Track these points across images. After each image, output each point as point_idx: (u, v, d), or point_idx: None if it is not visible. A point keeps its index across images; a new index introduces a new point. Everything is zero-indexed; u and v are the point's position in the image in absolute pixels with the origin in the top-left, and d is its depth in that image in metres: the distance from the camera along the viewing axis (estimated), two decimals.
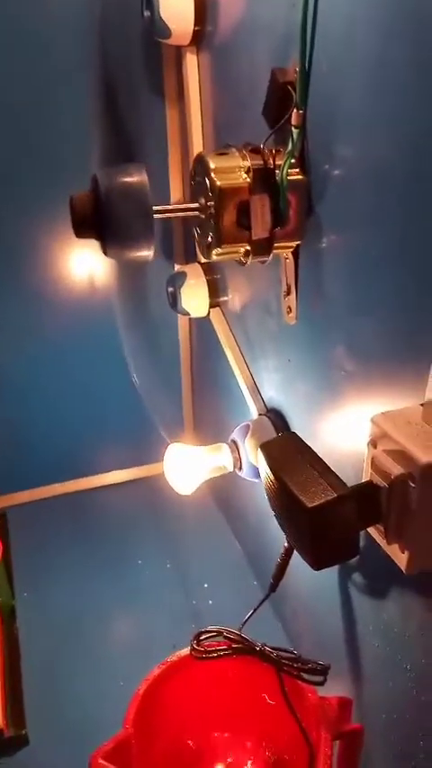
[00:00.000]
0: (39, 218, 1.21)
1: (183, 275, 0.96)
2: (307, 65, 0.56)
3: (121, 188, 0.56)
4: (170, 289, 0.98)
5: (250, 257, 0.62)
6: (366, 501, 0.50)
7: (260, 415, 0.86)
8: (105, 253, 0.59)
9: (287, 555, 0.74)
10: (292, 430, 0.79)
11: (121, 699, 0.69)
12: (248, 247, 0.61)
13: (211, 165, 0.59)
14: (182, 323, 1.16)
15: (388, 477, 0.49)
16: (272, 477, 0.53)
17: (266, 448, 0.54)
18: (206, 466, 0.84)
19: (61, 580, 1.12)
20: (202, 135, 0.84)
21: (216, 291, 0.97)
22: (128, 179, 0.56)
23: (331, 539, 0.50)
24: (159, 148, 0.96)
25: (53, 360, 1.37)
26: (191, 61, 0.82)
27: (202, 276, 0.95)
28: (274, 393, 0.83)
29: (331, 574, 0.75)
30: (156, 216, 0.59)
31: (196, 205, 0.61)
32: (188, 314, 0.99)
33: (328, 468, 0.52)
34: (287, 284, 0.71)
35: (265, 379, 0.86)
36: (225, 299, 0.96)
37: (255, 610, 0.73)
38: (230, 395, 0.98)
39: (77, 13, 1.05)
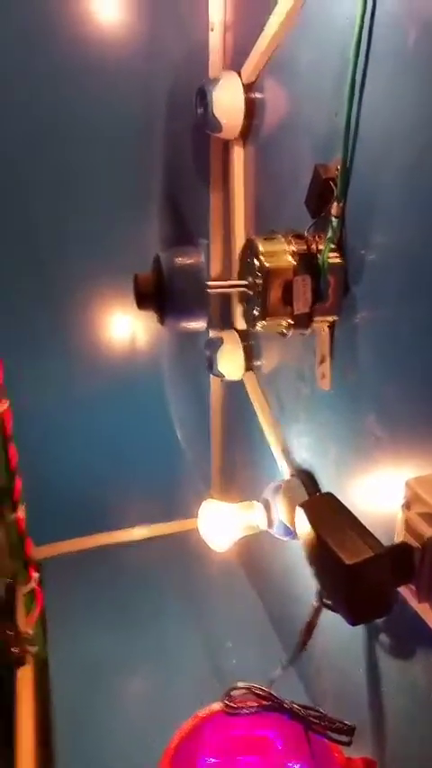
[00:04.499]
0: (96, 281, 1.31)
1: (219, 340, 1.03)
2: (348, 164, 0.64)
3: (181, 268, 0.63)
4: (207, 353, 1.05)
5: (291, 330, 0.68)
6: (400, 560, 0.54)
7: (291, 475, 0.90)
8: (162, 323, 0.66)
9: (316, 614, 0.76)
10: (321, 490, 0.83)
11: (147, 752, 0.71)
12: (290, 321, 0.68)
13: (260, 249, 0.66)
14: (215, 384, 1.22)
15: (421, 538, 0.53)
16: (312, 534, 0.57)
17: (307, 506, 0.58)
18: (240, 523, 0.88)
19: (89, 634, 1.14)
20: (245, 218, 0.93)
21: (250, 356, 1.03)
22: (187, 260, 0.63)
23: (368, 595, 0.54)
24: (203, 229, 1.05)
25: (87, 413, 1.43)
26: (237, 153, 0.91)
27: (239, 342, 1.02)
28: (305, 454, 0.88)
29: (358, 632, 0.77)
30: (210, 291, 0.66)
31: (245, 282, 0.68)
32: (223, 376, 1.05)
33: (365, 528, 0.56)
34: (322, 354, 0.76)
35: (296, 441, 0.90)
36: (258, 363, 1.02)
37: (284, 668, 0.75)
38: (260, 455, 1.03)
39: (141, 110, 1.19)
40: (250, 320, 0.70)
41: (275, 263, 0.65)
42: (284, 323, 0.68)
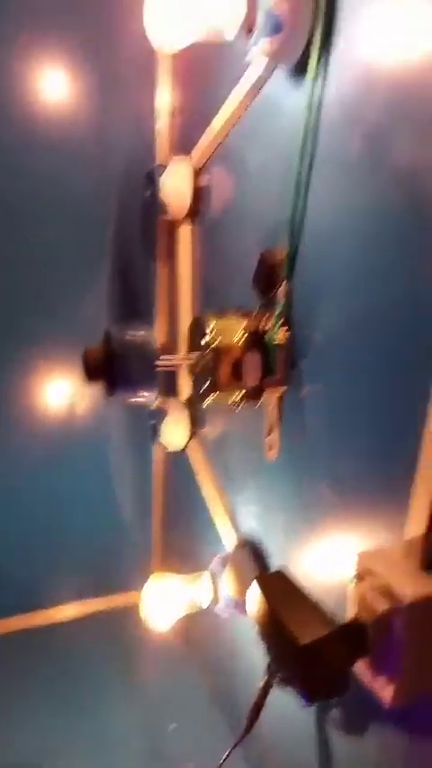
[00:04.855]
0: (43, 351, 1.30)
1: (164, 410, 1.04)
2: (293, 252, 0.69)
3: (131, 343, 0.64)
4: (151, 421, 1.05)
5: (241, 403, 0.70)
6: (354, 636, 0.54)
7: (237, 546, 0.89)
8: (111, 396, 0.66)
9: (264, 693, 0.74)
10: (270, 561, 0.83)
11: None
12: (240, 395, 0.70)
13: (211, 326, 0.68)
14: (158, 452, 1.21)
15: (374, 613, 0.54)
16: (265, 612, 0.57)
17: (260, 582, 0.58)
18: (186, 599, 0.86)
19: (19, 722, 1.05)
20: (191, 295, 0.96)
21: (195, 425, 1.04)
22: (138, 335, 0.65)
23: (324, 674, 0.54)
24: (151, 304, 1.07)
25: (22, 480, 1.37)
26: (184, 233, 0.95)
27: (184, 411, 1.03)
28: (252, 524, 0.88)
29: (308, 710, 0.76)
30: (159, 367, 0.67)
31: (195, 357, 0.70)
32: (167, 447, 1.05)
33: (318, 605, 0.56)
34: (270, 424, 0.78)
35: (243, 510, 0.91)
36: (204, 432, 1.03)
37: (230, 752, 0.72)
38: (205, 525, 1.02)
39: (92, 189, 1.23)
40: (200, 394, 0.71)
41: (225, 339, 0.68)
42: (234, 397, 0.70)
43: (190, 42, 0.60)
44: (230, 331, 0.68)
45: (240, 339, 0.68)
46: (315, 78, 0.60)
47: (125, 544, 1.44)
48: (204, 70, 0.89)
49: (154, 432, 1.05)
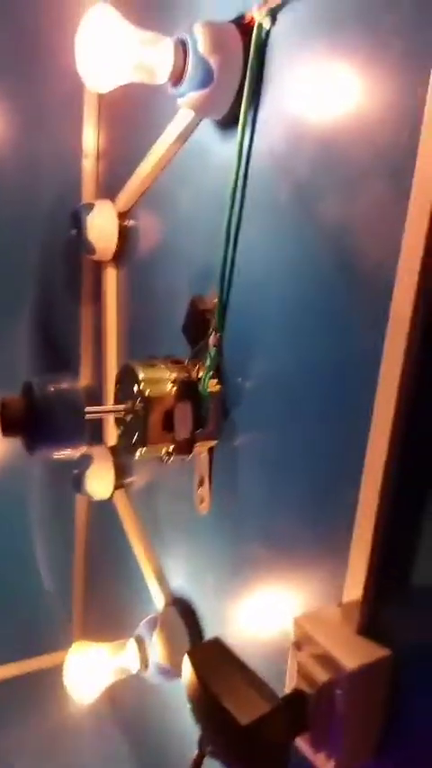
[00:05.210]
0: None
1: (89, 458, 0.98)
2: (224, 298, 0.67)
3: (56, 395, 0.59)
4: (74, 470, 0.98)
5: (172, 456, 0.67)
6: (295, 709, 0.51)
7: (166, 606, 0.84)
8: (31, 452, 0.61)
9: (197, 766, 0.69)
10: (202, 622, 0.79)
11: None
12: (171, 447, 0.66)
13: (140, 376, 0.65)
14: (80, 503, 1.14)
15: (315, 683, 0.51)
16: (199, 689, 0.52)
17: (193, 657, 0.54)
18: (111, 668, 0.79)
19: None
20: (117, 340, 0.92)
21: (121, 474, 0.99)
22: (63, 386, 0.60)
23: (265, 753, 0.50)
24: (74, 348, 1.02)
25: None
26: (110, 274, 0.92)
27: (110, 459, 0.98)
28: (182, 582, 0.83)
29: None
30: (88, 418, 0.62)
31: (123, 407, 0.66)
32: (91, 497, 0.99)
33: (258, 677, 0.52)
34: (201, 476, 0.75)
35: (172, 567, 0.86)
36: (131, 481, 0.98)
37: None
38: (130, 582, 0.96)
39: (13, 226, 1.17)
40: (128, 446, 0.67)
41: (156, 390, 0.64)
42: (165, 449, 0.66)
43: (121, 83, 0.58)
44: (161, 381, 0.65)
45: (172, 389, 0.65)
46: (244, 129, 0.60)
47: (46, 605, 1.34)
48: (133, 111, 0.87)
49: (77, 481, 0.98)
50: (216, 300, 0.68)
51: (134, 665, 0.79)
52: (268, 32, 0.57)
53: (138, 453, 0.65)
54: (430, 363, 0.44)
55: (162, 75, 0.59)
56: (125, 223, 0.90)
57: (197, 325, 0.70)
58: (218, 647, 0.56)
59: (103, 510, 1.06)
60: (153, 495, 0.91)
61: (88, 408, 0.62)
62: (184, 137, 0.71)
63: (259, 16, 0.56)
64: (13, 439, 0.61)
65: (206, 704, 0.52)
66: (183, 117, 0.69)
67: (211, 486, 0.74)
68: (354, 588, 0.52)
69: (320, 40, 0.52)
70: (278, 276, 0.60)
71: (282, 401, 0.61)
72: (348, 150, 0.50)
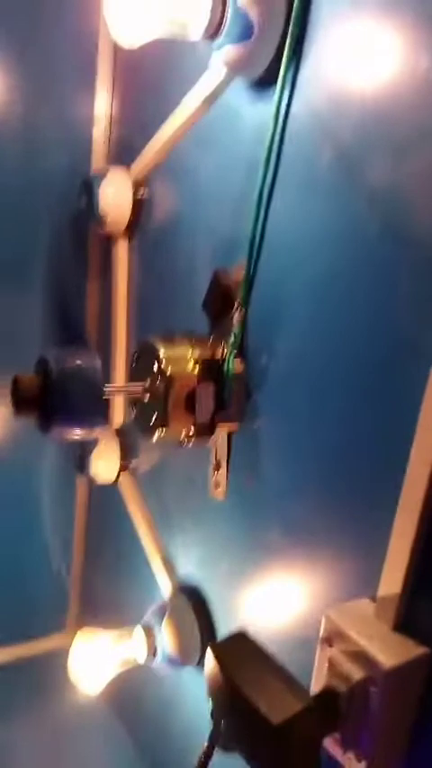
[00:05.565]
0: None
1: (93, 439, 0.94)
2: (252, 272, 0.63)
3: (73, 371, 0.55)
4: (78, 452, 0.95)
5: (192, 440, 0.63)
6: (327, 708, 0.48)
7: (175, 593, 0.81)
8: (47, 431, 0.57)
9: (206, 760, 0.67)
10: (213, 613, 0.76)
11: None
12: (191, 430, 0.62)
13: (162, 353, 0.61)
14: (80, 487, 1.10)
15: (348, 680, 0.48)
16: (224, 684, 0.49)
17: (217, 651, 0.51)
18: (117, 658, 0.76)
19: None
20: (127, 317, 0.88)
21: (127, 456, 0.95)
22: (80, 362, 0.56)
23: (297, 754, 0.47)
24: (81, 324, 0.98)
25: None
26: (122, 248, 0.87)
27: (115, 438, 0.94)
28: (193, 569, 0.80)
29: None
30: (106, 396, 0.58)
31: (142, 386, 0.62)
32: (95, 479, 0.95)
33: (286, 672, 0.49)
34: (217, 459, 0.72)
35: (182, 554, 0.83)
36: (137, 464, 0.94)
37: None
38: (137, 569, 0.93)
39: (20, 196, 1.11)
40: (146, 428, 0.63)
41: (178, 369, 0.60)
42: (185, 431, 0.63)
43: (152, 38, 0.53)
44: (183, 359, 0.61)
45: (194, 368, 0.61)
46: (283, 88, 0.56)
47: (45, 590, 1.31)
48: (152, 74, 0.82)
49: (80, 462, 0.95)
50: (243, 274, 0.64)
51: (141, 655, 0.76)
52: None
53: (156, 435, 0.62)
54: None
55: (197, 31, 0.54)
56: (140, 193, 0.85)
57: (220, 300, 0.67)
58: (243, 639, 0.53)
59: (106, 493, 1.03)
60: (161, 479, 0.87)
61: (108, 386, 0.59)
62: (212, 99, 0.67)
63: None
64: (26, 418, 0.57)
65: (231, 701, 0.49)
66: (211, 77, 0.65)
67: (228, 470, 0.70)
68: (391, 583, 0.49)
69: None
70: (314, 248, 0.56)
71: (312, 382, 0.57)
72: (398, 114, 0.46)
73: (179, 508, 0.83)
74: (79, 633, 0.79)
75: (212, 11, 0.53)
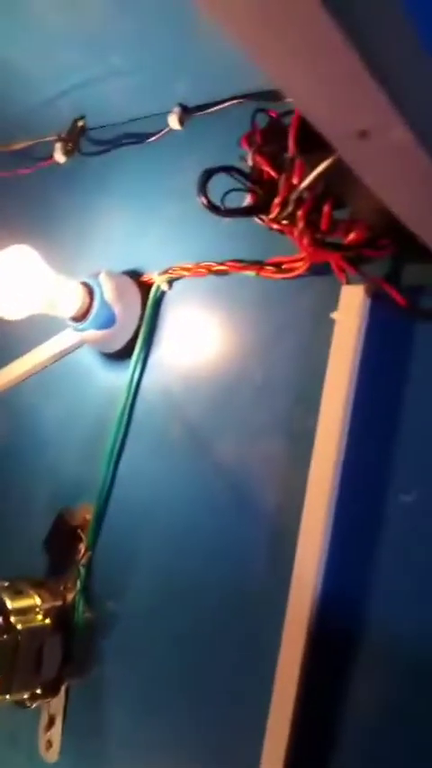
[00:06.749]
0: None
1: None
2: (100, 517, 0.67)
3: None
4: None
5: (37, 700, 0.59)
6: None
7: None
8: None
9: None
10: None
11: None
12: (38, 690, 0.59)
13: (10, 606, 0.59)
14: None
15: None
16: None
17: None
18: None
19: None
20: None
21: None
22: None
23: None
24: None
25: None
26: None
27: None
28: None
29: None
30: None
31: None
32: None
33: None
34: (50, 715, 0.67)
35: None
36: None
37: None
38: None
39: None
40: None
41: (28, 623, 0.58)
42: (30, 692, 0.59)
43: (29, 314, 0.60)
44: (33, 610, 0.60)
45: (44, 620, 0.59)
46: (136, 365, 0.66)
47: None
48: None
49: None
50: (88, 515, 0.67)
51: None
52: (164, 293, 0.66)
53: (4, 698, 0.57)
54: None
55: (67, 311, 0.63)
56: None
57: (64, 539, 0.68)
58: None
59: None
60: None
61: None
62: (63, 354, 0.74)
63: (159, 280, 0.65)
64: None
65: None
66: (65, 339, 0.72)
67: (63, 727, 0.66)
68: None
69: (205, 308, 0.62)
70: (162, 500, 0.63)
71: (155, 627, 0.60)
72: (238, 400, 0.59)
73: None
74: None
75: (82, 299, 0.63)
